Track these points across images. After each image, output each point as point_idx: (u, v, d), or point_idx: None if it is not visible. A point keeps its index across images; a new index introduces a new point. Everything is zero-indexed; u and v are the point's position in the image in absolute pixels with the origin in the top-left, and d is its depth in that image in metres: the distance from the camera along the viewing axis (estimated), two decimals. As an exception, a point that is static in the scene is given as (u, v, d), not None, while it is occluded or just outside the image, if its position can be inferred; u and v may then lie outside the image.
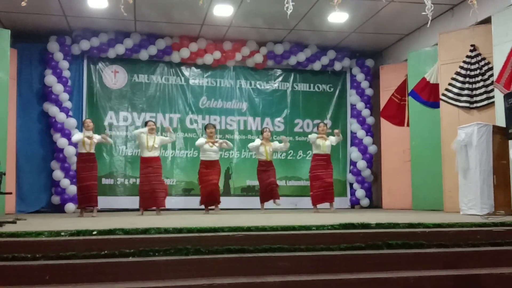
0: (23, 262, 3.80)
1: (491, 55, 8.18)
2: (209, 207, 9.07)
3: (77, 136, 8.58)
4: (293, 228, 4.68)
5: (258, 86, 11.62)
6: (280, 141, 9.73)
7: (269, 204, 9.32)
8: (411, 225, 4.96)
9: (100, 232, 4.36)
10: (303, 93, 11.81)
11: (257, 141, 9.36)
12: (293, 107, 11.72)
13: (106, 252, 4.00)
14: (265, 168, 9.26)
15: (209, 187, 8.86)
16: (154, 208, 8.73)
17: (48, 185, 10.25)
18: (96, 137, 8.60)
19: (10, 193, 7.35)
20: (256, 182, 10.71)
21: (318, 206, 9.18)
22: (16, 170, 9.81)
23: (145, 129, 8.78)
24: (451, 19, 9.37)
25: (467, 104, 8.66)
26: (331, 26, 10.33)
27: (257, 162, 9.40)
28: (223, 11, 9.58)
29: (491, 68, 8.30)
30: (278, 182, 9.64)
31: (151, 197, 8.58)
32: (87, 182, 8.41)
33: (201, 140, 9.14)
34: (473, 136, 7.31)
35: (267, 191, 9.18)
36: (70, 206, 9.82)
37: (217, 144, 9.01)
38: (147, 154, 8.69)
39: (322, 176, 9.11)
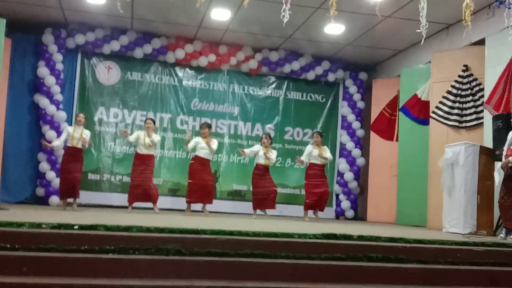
0: (2, 252, 3.77)
1: (482, 76, 8.27)
2: (192, 209, 9.00)
3: (61, 137, 8.81)
4: (275, 235, 4.67)
5: (251, 91, 11.63)
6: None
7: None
8: (392, 239, 4.97)
9: (82, 227, 4.34)
10: (295, 101, 11.83)
11: (256, 147, 9.33)
12: (284, 114, 11.74)
13: (86, 247, 3.97)
14: (262, 172, 9.14)
15: (204, 187, 8.83)
16: (147, 205, 8.90)
17: (34, 177, 10.17)
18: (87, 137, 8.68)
19: (-5, 183, 7.33)
20: (243, 187, 10.75)
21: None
22: (2, 160, 9.74)
23: (136, 134, 8.93)
24: (445, 38, 9.45)
25: (456, 123, 8.73)
26: (327, 37, 10.39)
27: (250, 166, 9.49)
28: (220, 15, 9.60)
29: (482, 89, 8.38)
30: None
31: (143, 193, 8.68)
32: (70, 174, 8.41)
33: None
34: (460, 155, 7.36)
35: (263, 199, 9.09)
36: (54, 199, 9.76)
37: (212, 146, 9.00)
38: (143, 151, 8.76)
39: (318, 185, 9.09)
